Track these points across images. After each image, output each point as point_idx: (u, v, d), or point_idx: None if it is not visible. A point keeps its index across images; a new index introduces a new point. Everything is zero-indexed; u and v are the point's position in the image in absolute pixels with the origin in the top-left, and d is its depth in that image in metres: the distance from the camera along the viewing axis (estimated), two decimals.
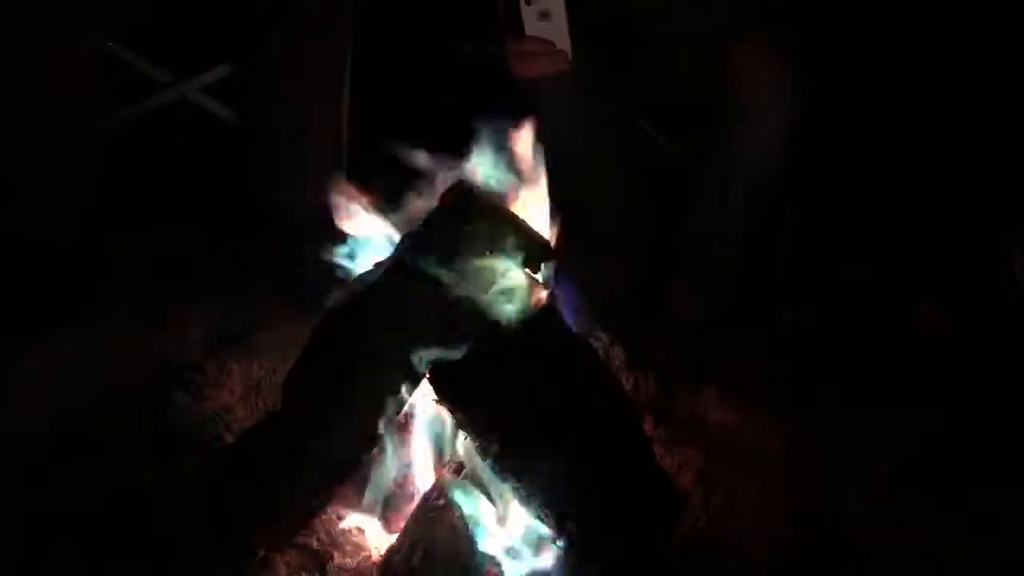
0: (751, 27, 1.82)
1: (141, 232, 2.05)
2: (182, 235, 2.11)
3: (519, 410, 1.24)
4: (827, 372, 1.79)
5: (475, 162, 1.34)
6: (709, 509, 1.46)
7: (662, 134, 2.18)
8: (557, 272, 1.35)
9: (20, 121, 1.72)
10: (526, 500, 1.24)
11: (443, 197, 1.32)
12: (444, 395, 1.27)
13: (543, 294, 1.30)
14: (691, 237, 1.97)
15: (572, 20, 1.72)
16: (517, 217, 1.31)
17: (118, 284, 1.87)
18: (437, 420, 1.40)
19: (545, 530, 1.27)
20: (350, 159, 2.02)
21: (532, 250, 1.28)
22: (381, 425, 1.30)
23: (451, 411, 1.27)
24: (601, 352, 1.71)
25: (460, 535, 1.28)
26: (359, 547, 1.38)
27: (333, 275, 1.43)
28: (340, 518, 1.41)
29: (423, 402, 1.37)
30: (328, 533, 1.38)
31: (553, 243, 1.35)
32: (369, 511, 1.40)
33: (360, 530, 1.40)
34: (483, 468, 1.29)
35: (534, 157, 1.36)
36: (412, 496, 1.40)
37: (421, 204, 1.37)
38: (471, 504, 1.29)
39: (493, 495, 1.30)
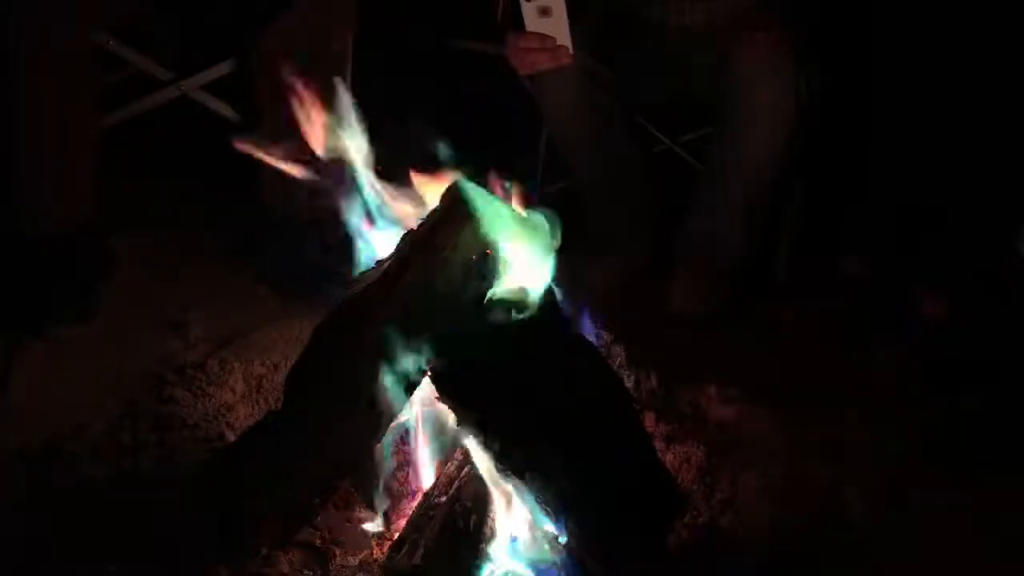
0: (752, 26, 1.82)
1: (141, 232, 2.05)
2: (182, 234, 2.11)
3: (521, 408, 1.24)
4: (828, 369, 1.79)
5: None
6: (710, 505, 1.46)
7: (663, 132, 2.19)
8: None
9: (20, 121, 1.72)
10: (527, 497, 1.24)
11: (445, 193, 1.31)
12: (446, 393, 1.27)
13: (544, 292, 1.30)
14: (692, 235, 1.98)
15: (573, 16, 1.72)
16: (519, 213, 1.31)
17: (118, 284, 1.87)
18: (439, 419, 1.40)
19: (547, 527, 1.27)
20: None
21: (534, 247, 1.28)
22: (383, 423, 1.30)
23: (453, 409, 1.27)
24: (602, 350, 1.72)
25: (461, 533, 1.28)
26: (361, 544, 1.38)
27: (334, 274, 1.43)
28: (342, 516, 1.41)
29: (425, 401, 1.37)
30: (330, 530, 1.38)
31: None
32: (371, 509, 1.41)
33: (362, 527, 1.40)
34: (485, 466, 1.28)
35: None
36: (414, 494, 1.41)
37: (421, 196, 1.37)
38: None
39: (494, 493, 1.30)
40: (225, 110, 2.10)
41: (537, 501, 1.24)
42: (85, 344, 1.73)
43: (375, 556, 1.36)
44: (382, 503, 1.39)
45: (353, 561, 1.34)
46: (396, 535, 1.33)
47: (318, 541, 1.36)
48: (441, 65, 2.43)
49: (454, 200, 1.27)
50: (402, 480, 1.46)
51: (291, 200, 1.92)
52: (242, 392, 1.65)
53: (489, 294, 1.28)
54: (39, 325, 1.74)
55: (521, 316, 1.26)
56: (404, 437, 1.44)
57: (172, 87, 2.03)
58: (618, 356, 1.75)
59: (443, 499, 1.32)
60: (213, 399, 1.61)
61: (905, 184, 1.92)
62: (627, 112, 2.01)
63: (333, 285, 1.41)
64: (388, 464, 1.39)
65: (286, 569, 1.30)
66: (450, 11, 2.33)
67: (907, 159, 1.90)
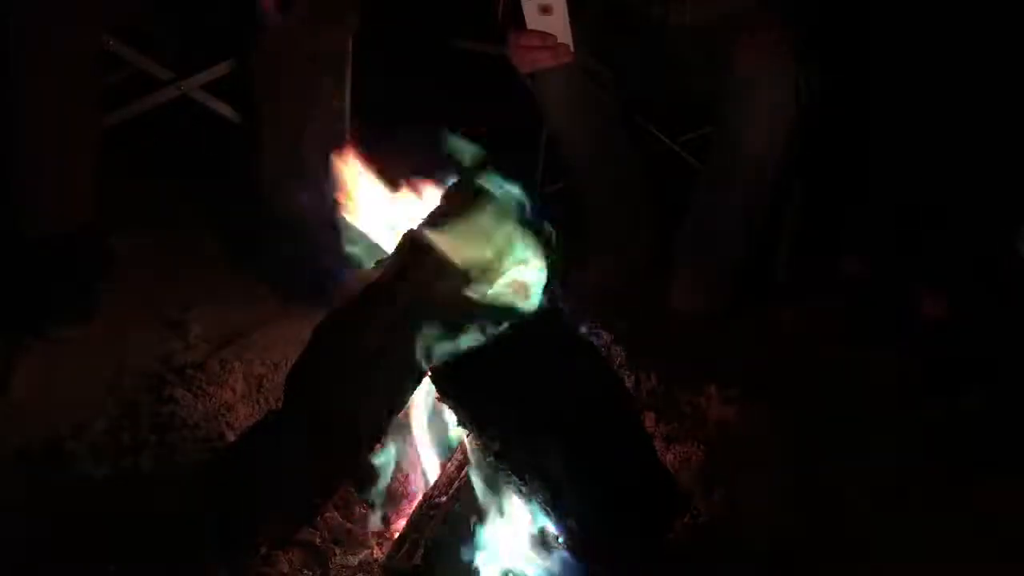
0: (752, 26, 1.82)
1: (141, 232, 2.05)
2: (182, 234, 2.11)
3: (521, 408, 1.24)
4: (828, 369, 1.79)
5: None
6: (710, 505, 1.46)
7: (663, 132, 2.19)
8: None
9: (21, 121, 1.72)
10: (528, 497, 1.24)
11: (447, 193, 1.32)
12: (446, 393, 1.27)
13: (545, 291, 1.31)
14: (692, 234, 1.97)
15: (573, 15, 1.72)
16: (518, 214, 1.31)
17: (118, 284, 1.87)
18: (439, 418, 1.40)
19: (547, 527, 1.27)
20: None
21: (535, 246, 1.28)
22: (383, 423, 1.30)
23: (453, 409, 1.27)
24: (602, 350, 1.72)
25: (461, 533, 1.28)
26: (361, 544, 1.38)
27: (335, 273, 1.43)
28: (342, 515, 1.41)
29: (425, 400, 1.37)
30: (330, 530, 1.38)
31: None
32: (371, 509, 1.41)
33: (362, 527, 1.40)
34: (485, 466, 1.28)
35: None
36: (414, 494, 1.41)
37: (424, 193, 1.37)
38: None
39: (494, 492, 1.30)
40: (225, 110, 2.10)
41: (537, 501, 1.24)
42: (85, 344, 1.73)
43: (375, 556, 1.36)
44: (382, 503, 1.39)
45: (353, 561, 1.34)
46: (396, 535, 1.33)
47: (318, 541, 1.36)
48: (441, 65, 2.43)
49: (458, 196, 1.28)
50: (402, 480, 1.46)
51: (291, 201, 1.92)
52: (242, 392, 1.65)
53: (492, 291, 1.28)
54: (39, 325, 1.74)
55: (520, 316, 1.26)
56: (404, 437, 1.44)
57: (172, 87, 2.03)
58: (618, 356, 1.75)
59: (443, 499, 1.32)
60: (213, 399, 1.61)
61: (905, 184, 1.92)
62: (627, 112, 2.01)
63: (333, 285, 1.41)
64: (388, 464, 1.39)
65: (286, 569, 1.30)
66: (450, 11, 2.33)
67: (907, 159, 1.90)
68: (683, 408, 1.66)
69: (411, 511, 1.35)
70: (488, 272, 1.29)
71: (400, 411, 1.32)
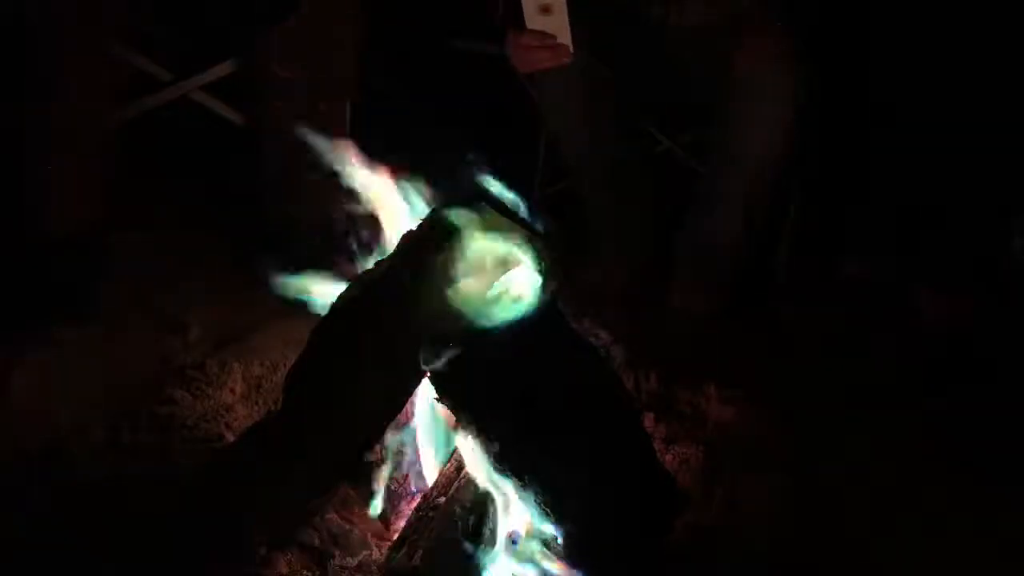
0: (752, 26, 1.82)
1: (142, 231, 2.05)
2: (182, 234, 2.11)
3: (520, 409, 1.24)
4: (828, 368, 1.79)
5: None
6: (710, 506, 1.46)
7: (663, 132, 2.19)
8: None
9: (25, 123, 1.72)
10: (527, 498, 1.24)
11: (445, 194, 1.31)
12: (444, 394, 1.27)
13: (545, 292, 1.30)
14: (692, 235, 1.97)
15: (573, 14, 1.71)
16: (517, 214, 1.31)
17: (119, 284, 1.87)
18: (438, 419, 1.40)
19: (546, 528, 1.27)
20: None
21: (535, 246, 1.28)
22: (382, 424, 1.30)
23: (452, 410, 1.27)
24: (602, 350, 1.71)
25: (461, 534, 1.28)
26: (360, 545, 1.38)
27: (334, 274, 1.43)
28: (341, 516, 1.41)
29: (424, 401, 1.37)
30: (329, 531, 1.38)
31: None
32: (370, 509, 1.41)
33: (361, 528, 1.40)
34: (484, 466, 1.28)
35: None
36: (413, 494, 1.40)
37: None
38: None
39: (494, 493, 1.30)
40: (225, 111, 2.10)
41: (536, 502, 1.24)
42: (85, 344, 1.73)
43: (374, 557, 1.36)
44: (381, 504, 1.39)
45: (352, 562, 1.34)
46: (395, 536, 1.33)
47: (317, 542, 1.35)
48: (441, 65, 2.43)
49: (451, 204, 1.28)
50: (402, 481, 1.46)
51: (291, 201, 1.92)
52: (241, 393, 1.65)
53: (491, 291, 1.28)
54: (39, 325, 1.74)
55: (519, 317, 1.26)
56: (403, 438, 1.44)
57: (172, 87, 2.03)
58: (618, 356, 1.74)
59: (442, 500, 1.32)
60: (212, 400, 1.61)
61: (905, 184, 1.92)
62: (627, 112, 2.01)
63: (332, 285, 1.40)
64: (387, 465, 1.39)
65: (285, 570, 1.30)
66: (450, 11, 2.33)
67: (907, 159, 1.90)
68: (683, 408, 1.66)
69: (410, 512, 1.35)
70: (488, 272, 1.29)
71: (399, 412, 1.32)
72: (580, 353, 1.33)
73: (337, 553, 1.35)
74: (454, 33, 2.29)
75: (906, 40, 1.87)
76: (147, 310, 1.85)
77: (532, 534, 1.31)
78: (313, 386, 1.29)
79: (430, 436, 1.41)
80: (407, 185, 1.38)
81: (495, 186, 1.34)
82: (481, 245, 1.28)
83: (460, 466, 1.35)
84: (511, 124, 2.17)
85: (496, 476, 1.26)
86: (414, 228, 1.33)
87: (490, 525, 1.30)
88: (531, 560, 1.30)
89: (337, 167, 1.39)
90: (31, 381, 1.65)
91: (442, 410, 1.35)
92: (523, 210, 1.34)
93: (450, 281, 1.27)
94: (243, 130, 2.10)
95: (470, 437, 1.28)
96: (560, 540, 1.26)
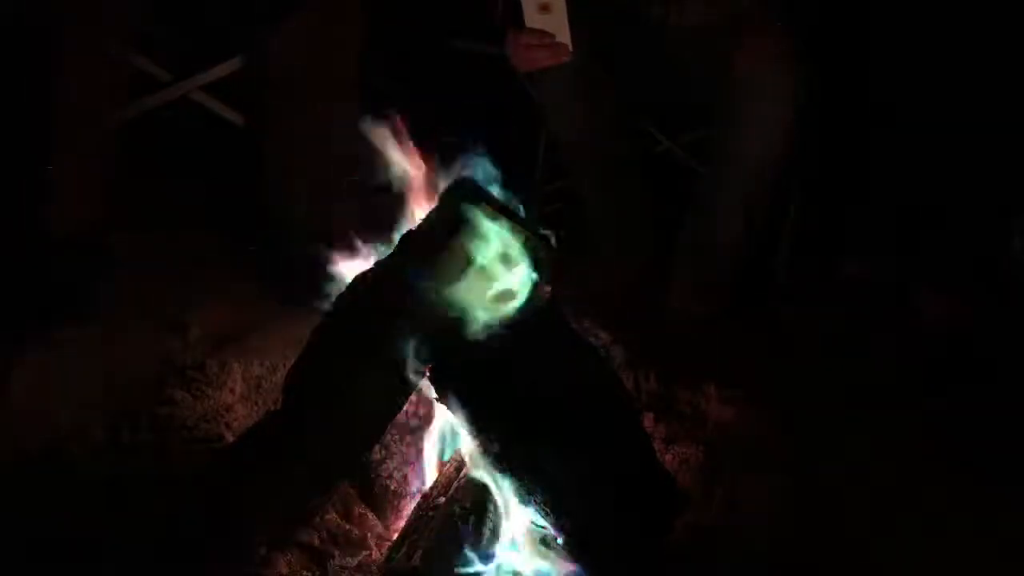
0: (752, 26, 1.82)
1: (142, 232, 2.05)
2: (182, 234, 2.11)
3: (520, 408, 1.24)
4: (828, 369, 1.79)
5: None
6: (709, 506, 1.46)
7: (663, 132, 2.19)
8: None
9: (28, 123, 1.72)
10: (526, 498, 1.24)
11: (444, 194, 1.32)
12: (444, 393, 1.27)
13: (544, 292, 1.30)
14: (692, 235, 1.97)
15: (572, 13, 1.71)
16: (516, 214, 1.31)
17: (119, 284, 1.87)
18: (437, 419, 1.40)
19: (546, 527, 1.27)
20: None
21: (534, 246, 1.28)
22: (382, 424, 1.30)
23: (451, 410, 1.27)
24: (602, 350, 1.71)
25: (461, 534, 1.28)
26: (360, 545, 1.38)
27: (333, 275, 1.43)
28: (341, 516, 1.41)
29: (424, 401, 1.37)
30: (329, 531, 1.38)
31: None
32: (370, 509, 1.41)
33: (361, 528, 1.40)
34: (484, 466, 1.28)
35: None
36: (413, 494, 1.40)
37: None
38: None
39: (493, 493, 1.30)
40: (224, 111, 2.10)
41: (536, 502, 1.24)
42: (85, 344, 1.73)
43: (374, 557, 1.36)
44: (381, 503, 1.39)
45: (352, 562, 1.34)
46: (395, 536, 1.33)
47: (317, 542, 1.35)
48: (441, 65, 2.43)
49: (450, 203, 1.28)
50: (401, 480, 1.46)
51: (291, 201, 1.92)
52: (241, 393, 1.65)
53: (490, 291, 1.28)
54: (39, 325, 1.74)
55: (518, 317, 1.26)
56: (403, 437, 1.44)
57: (172, 87, 2.03)
58: (618, 356, 1.74)
59: (442, 500, 1.32)
60: (212, 400, 1.61)
61: (905, 184, 1.93)
62: (627, 112, 2.01)
63: (332, 286, 1.40)
64: (387, 464, 1.39)
65: (285, 570, 1.29)
66: (450, 11, 2.33)
67: (907, 159, 1.90)
68: (682, 408, 1.66)
69: (410, 512, 1.35)
70: (488, 272, 1.29)
71: (399, 412, 1.32)
72: (580, 353, 1.33)
73: (337, 553, 1.35)
74: (454, 33, 2.29)
75: (906, 40, 1.87)
76: (147, 310, 1.85)
77: (532, 534, 1.31)
78: (313, 386, 1.29)
79: (429, 436, 1.41)
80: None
81: (495, 186, 1.34)
82: (481, 245, 1.28)
83: (460, 466, 1.35)
84: (511, 124, 2.17)
85: (496, 476, 1.26)
86: (414, 228, 1.33)
87: (490, 525, 1.30)
88: (531, 560, 1.30)
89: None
90: (31, 381, 1.64)
91: (442, 409, 1.35)
92: (523, 210, 1.34)
93: (450, 280, 1.27)
94: (243, 130, 2.10)
95: (470, 437, 1.28)
96: (560, 540, 1.26)
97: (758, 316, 1.95)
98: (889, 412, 1.67)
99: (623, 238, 2.06)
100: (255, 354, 1.72)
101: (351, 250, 1.41)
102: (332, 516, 1.40)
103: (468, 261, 1.28)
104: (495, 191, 1.34)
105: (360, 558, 1.35)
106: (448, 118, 2.34)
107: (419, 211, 1.36)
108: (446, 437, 1.42)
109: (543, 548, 1.30)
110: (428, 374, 1.27)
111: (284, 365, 1.65)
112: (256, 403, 1.64)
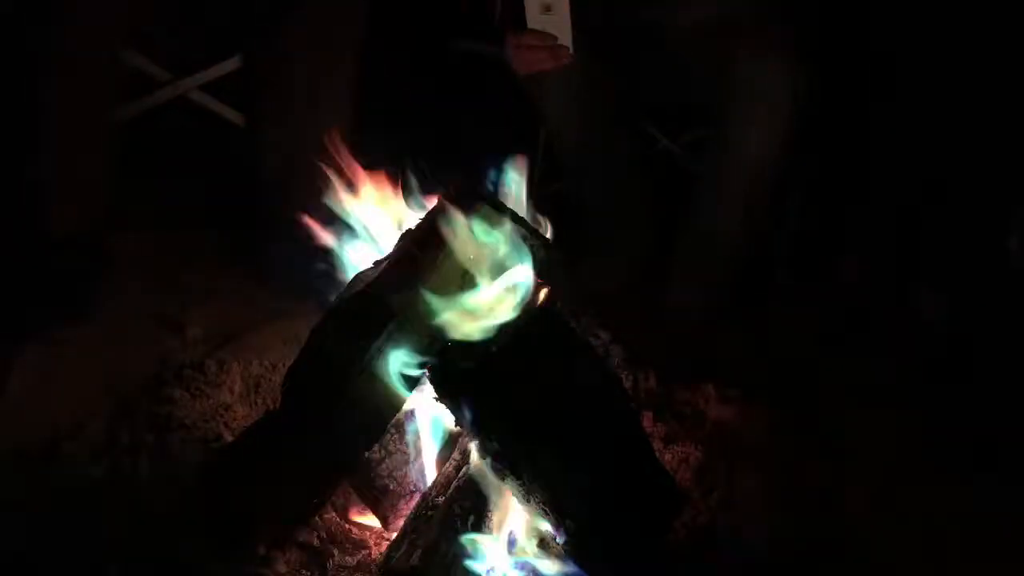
0: (752, 26, 1.82)
1: (141, 232, 2.05)
2: (182, 234, 2.11)
3: (519, 408, 1.24)
4: (828, 368, 1.79)
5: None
6: (708, 505, 1.46)
7: (663, 132, 2.19)
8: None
9: (27, 122, 1.72)
10: (526, 498, 1.24)
11: (445, 193, 1.32)
12: (444, 394, 1.27)
13: (544, 292, 1.30)
14: (691, 235, 1.97)
15: (575, 15, 1.71)
16: (518, 215, 1.31)
17: (118, 284, 1.87)
18: (437, 418, 1.40)
19: (545, 527, 1.27)
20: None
21: (534, 246, 1.28)
22: (381, 423, 1.30)
23: (451, 410, 1.27)
24: (601, 350, 1.71)
25: (460, 534, 1.28)
26: (359, 544, 1.38)
27: (332, 274, 1.43)
28: (340, 516, 1.41)
29: (423, 400, 1.37)
30: (328, 531, 1.38)
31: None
32: (369, 509, 1.41)
33: (360, 528, 1.40)
34: (483, 466, 1.28)
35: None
36: (412, 494, 1.40)
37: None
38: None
39: (493, 493, 1.30)
40: (224, 110, 2.10)
41: (535, 501, 1.24)
42: (84, 344, 1.73)
43: (373, 556, 1.36)
44: (380, 503, 1.39)
45: (351, 561, 1.34)
46: (394, 535, 1.33)
47: (316, 541, 1.35)
48: (441, 65, 2.43)
49: (450, 204, 1.28)
50: (401, 480, 1.46)
51: (291, 201, 1.92)
52: (240, 392, 1.65)
53: (486, 294, 1.28)
54: (39, 325, 1.74)
55: (517, 317, 1.26)
56: (402, 437, 1.44)
57: (171, 87, 2.03)
58: (617, 356, 1.74)
59: (441, 499, 1.32)
60: (211, 399, 1.61)
61: (905, 184, 1.92)
62: (627, 112, 2.01)
63: (331, 285, 1.41)
64: (387, 464, 1.39)
65: (284, 569, 1.30)
66: (450, 11, 2.33)
67: (907, 159, 1.90)
68: (682, 408, 1.66)
69: (409, 511, 1.35)
70: (488, 271, 1.29)
71: (398, 411, 1.32)
72: (580, 353, 1.33)
73: (336, 552, 1.35)
74: (454, 33, 2.29)
75: (906, 40, 1.86)
76: (146, 310, 1.85)
77: (532, 534, 1.31)
78: (313, 386, 1.29)
79: (429, 436, 1.41)
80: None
81: (495, 185, 1.34)
82: (481, 244, 1.28)
83: (460, 466, 1.35)
84: (511, 124, 2.17)
85: (495, 476, 1.26)
86: (414, 227, 1.33)
87: (489, 525, 1.30)
88: (530, 560, 1.30)
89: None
90: (31, 381, 1.65)
91: (441, 409, 1.35)
92: (523, 210, 1.34)
93: (450, 280, 1.27)
94: (243, 130, 2.10)
95: (469, 435, 1.28)
96: (559, 540, 1.26)
97: (758, 316, 1.95)
98: (888, 412, 1.67)
99: (623, 238, 2.06)
100: (254, 353, 1.72)
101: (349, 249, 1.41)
102: (332, 516, 1.41)
103: (468, 261, 1.28)
104: (494, 191, 1.34)
105: (359, 557, 1.36)
106: (448, 118, 2.35)
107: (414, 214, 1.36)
108: (445, 437, 1.41)
109: (543, 548, 1.30)
110: (428, 374, 1.27)
111: (283, 364, 1.66)
112: (255, 402, 1.65)
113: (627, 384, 1.67)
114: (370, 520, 1.41)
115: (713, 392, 1.67)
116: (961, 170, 1.83)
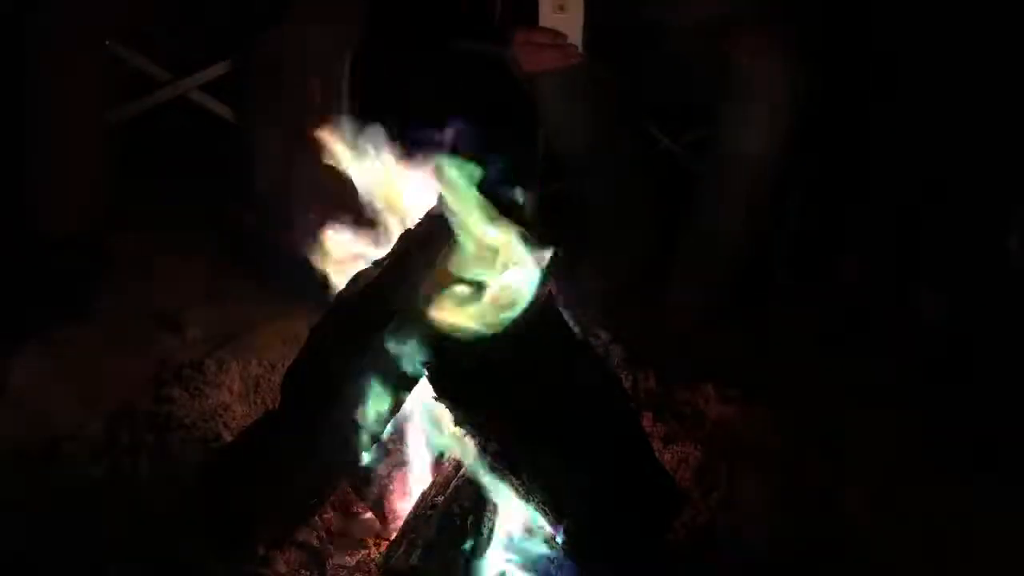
0: (752, 26, 1.82)
1: (141, 231, 2.06)
2: (182, 234, 2.11)
3: (518, 408, 1.24)
4: (828, 368, 1.79)
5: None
6: (708, 505, 1.46)
7: (663, 132, 2.18)
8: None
9: (27, 122, 1.72)
10: (525, 497, 1.24)
11: (444, 194, 1.31)
12: (443, 393, 1.27)
13: (544, 292, 1.30)
14: (692, 235, 1.97)
15: (588, 16, 1.70)
16: (516, 214, 1.31)
17: (118, 284, 1.87)
18: (436, 418, 1.40)
19: (545, 527, 1.27)
20: None
21: (534, 245, 1.28)
22: (381, 423, 1.30)
23: (450, 409, 1.27)
24: (600, 350, 1.71)
25: (459, 533, 1.28)
26: (359, 544, 1.38)
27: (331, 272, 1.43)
28: (340, 516, 1.41)
29: (422, 400, 1.37)
30: (328, 530, 1.38)
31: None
32: (369, 509, 1.40)
33: (360, 528, 1.40)
34: (482, 466, 1.28)
35: None
36: (412, 494, 1.40)
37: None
38: None
39: (492, 493, 1.30)
40: (223, 110, 2.10)
41: (535, 501, 1.24)
42: (84, 344, 1.73)
43: (372, 556, 1.36)
44: (380, 503, 1.39)
45: (351, 561, 1.34)
46: (394, 535, 1.33)
47: (315, 541, 1.35)
48: (441, 65, 2.43)
49: (446, 204, 1.28)
50: (400, 480, 1.46)
51: (289, 200, 1.92)
52: (239, 392, 1.65)
53: (486, 294, 1.28)
54: (39, 325, 1.74)
55: (517, 316, 1.26)
56: (402, 437, 1.44)
57: (170, 87, 2.03)
58: (617, 356, 1.74)
59: (441, 499, 1.31)
60: (210, 399, 1.61)
61: (905, 184, 1.92)
62: (627, 112, 2.01)
63: (331, 284, 1.40)
64: (386, 464, 1.39)
65: (283, 569, 1.30)
66: (450, 11, 2.33)
67: (907, 159, 1.90)
68: (681, 408, 1.66)
69: (409, 511, 1.35)
70: (488, 270, 1.29)
71: (398, 411, 1.32)
72: (579, 353, 1.33)
73: (335, 552, 1.35)
74: (454, 33, 2.29)
75: (906, 39, 1.86)
76: (146, 310, 1.85)
77: (531, 534, 1.31)
78: (312, 385, 1.29)
79: (428, 435, 1.41)
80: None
81: (495, 185, 1.34)
82: (481, 243, 1.28)
83: (459, 466, 1.35)
84: (511, 124, 2.17)
85: (495, 476, 1.26)
86: (413, 226, 1.33)
87: (488, 525, 1.30)
88: (529, 560, 1.30)
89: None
90: (31, 381, 1.65)
91: (441, 408, 1.34)
92: (523, 209, 1.34)
93: (450, 280, 1.27)
94: (240, 129, 2.10)
95: (469, 437, 1.28)
96: (559, 540, 1.26)
97: (758, 316, 1.95)
98: (888, 412, 1.67)
99: (624, 238, 2.06)
100: (253, 353, 1.72)
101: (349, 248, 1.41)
102: (331, 515, 1.41)
103: (467, 260, 1.28)
104: (494, 191, 1.34)
105: (359, 557, 1.36)
106: (448, 118, 2.34)
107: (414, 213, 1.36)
108: (444, 437, 1.41)
109: (542, 548, 1.30)
110: (427, 373, 1.27)
111: (282, 364, 1.66)
112: (254, 402, 1.65)
113: (627, 384, 1.67)
114: (370, 520, 1.41)
115: (713, 392, 1.67)
116: (961, 170, 1.83)
